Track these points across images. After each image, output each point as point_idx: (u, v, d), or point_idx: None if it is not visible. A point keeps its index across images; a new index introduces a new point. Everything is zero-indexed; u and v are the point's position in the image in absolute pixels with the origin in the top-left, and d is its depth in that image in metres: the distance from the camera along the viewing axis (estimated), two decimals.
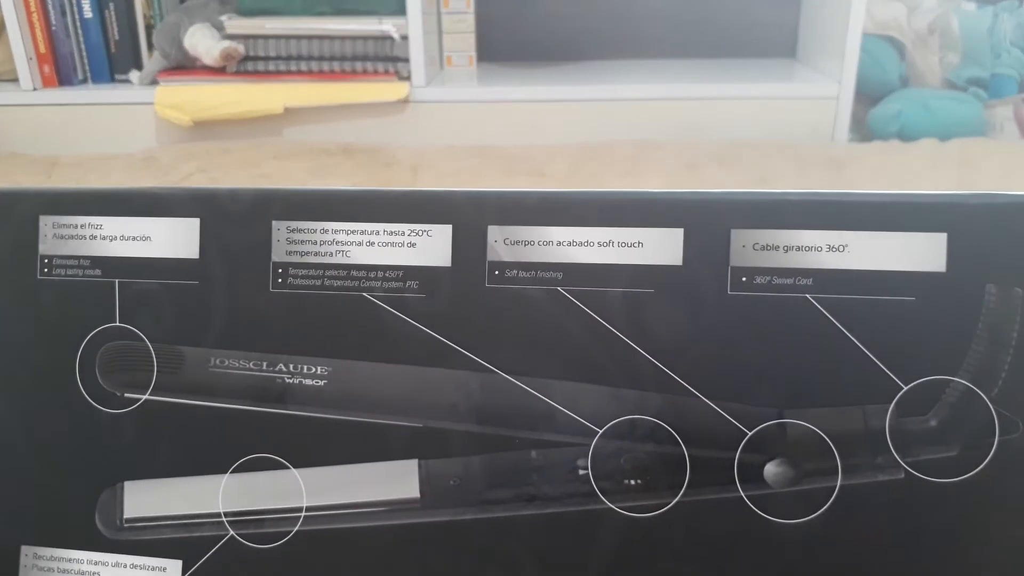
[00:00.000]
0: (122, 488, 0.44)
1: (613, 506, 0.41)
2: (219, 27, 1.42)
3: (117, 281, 0.44)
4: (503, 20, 1.60)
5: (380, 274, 0.42)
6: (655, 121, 1.39)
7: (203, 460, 0.44)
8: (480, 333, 0.41)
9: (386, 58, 1.41)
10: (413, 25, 1.38)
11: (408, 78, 1.41)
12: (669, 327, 0.40)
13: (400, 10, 1.38)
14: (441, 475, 0.42)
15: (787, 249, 0.39)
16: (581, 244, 0.41)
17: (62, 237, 0.45)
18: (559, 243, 0.41)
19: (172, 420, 0.44)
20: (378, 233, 0.42)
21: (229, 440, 0.43)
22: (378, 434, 0.42)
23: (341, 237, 0.42)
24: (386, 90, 1.40)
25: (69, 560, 0.44)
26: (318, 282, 0.43)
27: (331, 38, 1.41)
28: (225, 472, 0.43)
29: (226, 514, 0.43)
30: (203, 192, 0.44)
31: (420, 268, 0.42)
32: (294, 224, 0.43)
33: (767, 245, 0.39)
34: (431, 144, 1.37)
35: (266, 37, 1.42)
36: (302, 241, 0.43)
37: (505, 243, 0.41)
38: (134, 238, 0.44)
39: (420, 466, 0.42)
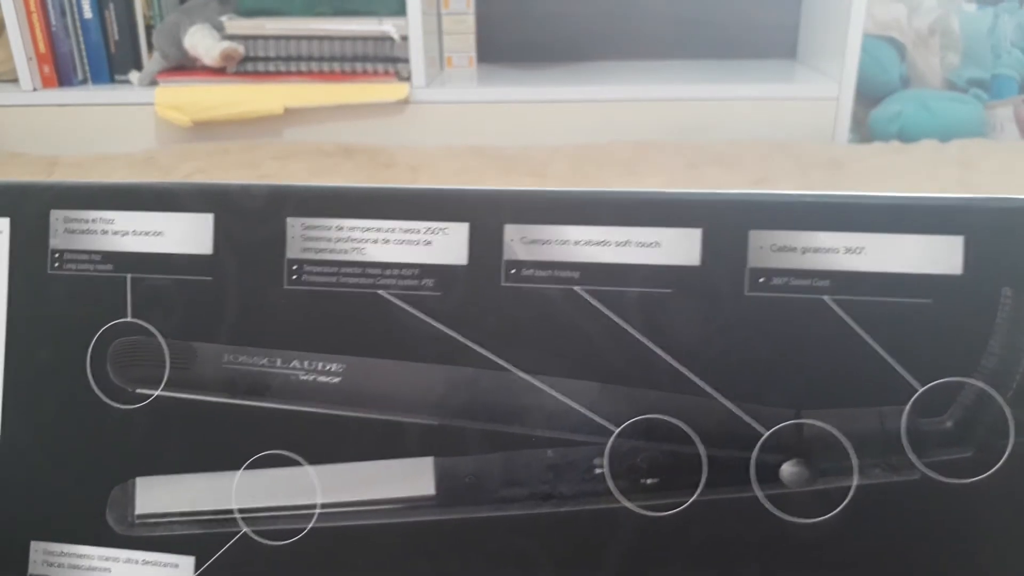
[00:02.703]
0: (134, 484, 0.44)
1: (629, 505, 0.41)
2: (219, 27, 1.42)
3: (129, 276, 0.44)
4: (503, 21, 1.60)
5: (396, 272, 0.42)
6: (655, 122, 1.39)
7: (216, 456, 0.44)
8: (496, 332, 0.41)
9: (386, 59, 1.41)
10: (413, 26, 1.38)
11: (408, 79, 1.41)
12: (686, 327, 0.40)
13: (400, 11, 1.38)
14: (457, 473, 0.42)
15: (804, 251, 0.39)
16: (598, 244, 0.41)
17: (73, 232, 0.44)
18: (576, 242, 0.41)
19: (184, 416, 0.44)
20: (394, 231, 0.42)
21: (242, 437, 0.43)
22: (393, 431, 0.42)
23: (357, 234, 0.42)
24: (386, 91, 1.39)
25: (80, 556, 0.44)
26: (333, 279, 0.42)
27: (331, 39, 1.41)
28: (238, 469, 0.43)
29: (239, 511, 0.43)
30: (216, 188, 0.43)
31: (436, 266, 0.42)
32: (309, 221, 0.43)
33: (785, 246, 0.39)
34: (431, 145, 1.37)
35: (266, 37, 1.41)
36: (317, 238, 0.43)
37: (522, 242, 0.41)
38: (146, 233, 0.44)
39: (435, 463, 0.42)
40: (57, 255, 0.44)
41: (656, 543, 0.41)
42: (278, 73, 1.42)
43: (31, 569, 0.45)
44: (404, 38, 1.39)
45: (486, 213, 0.41)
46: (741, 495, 0.40)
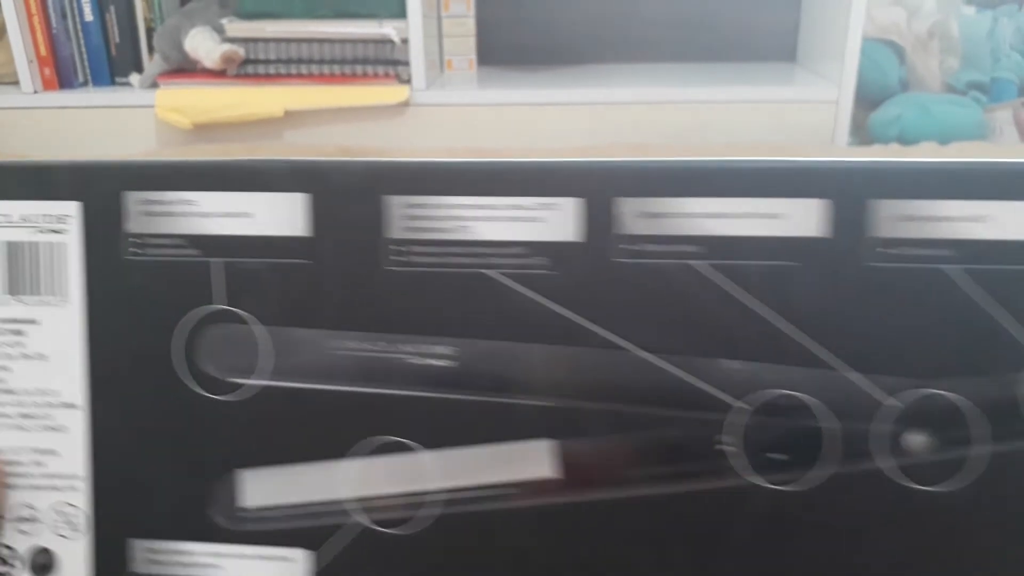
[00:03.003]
0: (238, 477, 0.42)
1: (755, 480, 0.40)
2: (219, 30, 1.42)
3: (218, 261, 0.42)
4: (503, 23, 1.60)
5: (504, 250, 0.41)
6: (655, 124, 1.39)
7: (322, 446, 0.42)
8: (613, 309, 0.40)
9: (386, 61, 1.41)
10: (413, 28, 1.38)
11: (408, 81, 1.41)
12: (809, 300, 0.39)
13: (400, 13, 1.38)
14: (578, 454, 0.41)
15: (928, 220, 0.38)
16: (718, 216, 0.39)
17: (151, 214, 0.42)
18: (695, 215, 0.39)
19: (287, 405, 0.42)
20: (502, 207, 0.40)
21: (350, 424, 0.42)
22: (510, 414, 0.41)
23: (462, 212, 0.41)
24: (386, 93, 1.40)
25: (185, 552, 0.43)
26: (439, 259, 0.41)
27: (331, 41, 1.41)
28: (348, 457, 0.42)
29: (353, 499, 0.42)
30: (309, 165, 0.41)
31: (547, 243, 0.40)
32: (411, 199, 0.41)
33: (909, 216, 0.39)
34: (431, 147, 1.37)
35: (266, 40, 1.41)
36: (421, 216, 0.41)
37: (637, 216, 0.40)
38: (234, 215, 0.41)
39: (556, 446, 0.41)
40: (134, 240, 0.42)
41: (784, 516, 0.40)
42: (278, 76, 1.42)
43: (135, 567, 0.43)
44: (404, 41, 1.39)
45: (599, 187, 0.40)
46: (867, 466, 0.40)
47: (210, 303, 0.42)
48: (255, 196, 0.41)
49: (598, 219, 0.40)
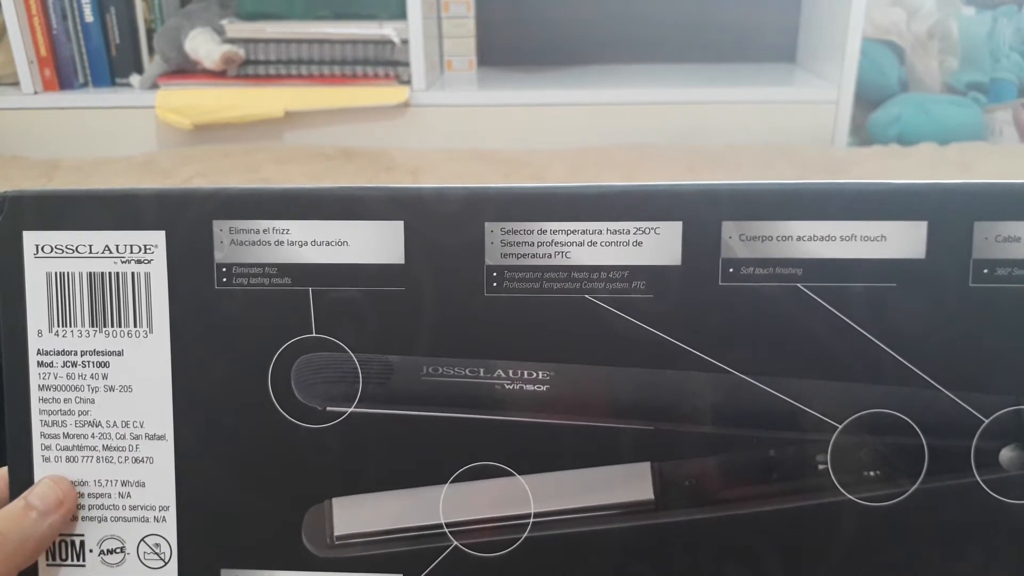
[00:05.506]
0: (330, 504, 0.42)
1: (852, 497, 0.40)
2: (220, 31, 1.42)
3: (311, 289, 0.41)
4: (503, 24, 1.60)
5: (604, 275, 0.40)
6: (655, 125, 1.40)
7: (416, 472, 0.42)
8: (713, 333, 0.40)
9: (386, 62, 1.41)
10: (413, 29, 1.38)
11: (408, 82, 1.41)
12: (909, 320, 0.39)
13: (400, 14, 1.38)
14: (676, 476, 0.41)
15: None
16: (822, 239, 0.39)
17: (242, 244, 0.41)
18: (799, 238, 0.40)
19: (381, 432, 0.42)
20: (601, 232, 0.40)
21: (444, 450, 0.42)
22: (606, 438, 0.41)
23: (560, 237, 0.41)
24: (386, 94, 1.40)
25: None
26: (536, 285, 0.41)
27: (331, 42, 1.41)
28: (443, 482, 0.42)
29: (448, 524, 0.42)
30: (406, 192, 0.41)
31: (647, 268, 0.40)
32: (509, 225, 0.41)
33: (1010, 236, 0.39)
34: (431, 148, 1.37)
35: (266, 41, 1.42)
36: (518, 243, 0.41)
37: (741, 239, 0.40)
38: (328, 243, 0.41)
39: (653, 468, 0.41)
40: (224, 269, 0.41)
41: (879, 532, 0.41)
42: (278, 76, 1.43)
43: None
44: (404, 42, 1.39)
45: (701, 210, 0.40)
46: (961, 481, 0.40)
47: (302, 332, 0.41)
48: (350, 224, 0.41)
49: (702, 243, 0.40)
